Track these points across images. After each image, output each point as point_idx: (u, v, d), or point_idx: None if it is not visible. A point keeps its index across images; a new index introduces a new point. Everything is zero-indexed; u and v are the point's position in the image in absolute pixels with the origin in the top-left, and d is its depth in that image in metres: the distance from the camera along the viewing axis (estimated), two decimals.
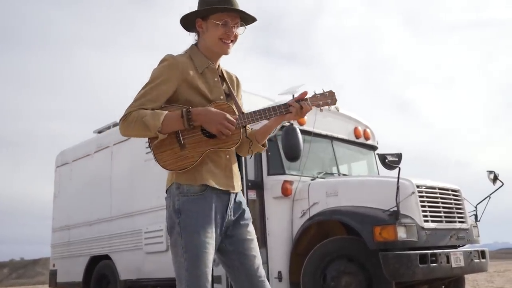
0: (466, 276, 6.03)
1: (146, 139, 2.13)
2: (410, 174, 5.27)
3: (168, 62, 2.13)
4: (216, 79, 2.24)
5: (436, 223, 5.09)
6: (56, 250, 9.07)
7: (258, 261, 2.24)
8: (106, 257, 7.78)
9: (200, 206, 2.09)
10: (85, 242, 8.28)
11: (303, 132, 5.68)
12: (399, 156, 4.76)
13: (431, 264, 4.75)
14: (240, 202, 2.27)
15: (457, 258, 5.04)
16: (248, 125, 2.20)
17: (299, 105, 2.16)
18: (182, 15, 2.23)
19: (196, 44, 2.29)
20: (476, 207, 5.65)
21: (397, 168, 4.73)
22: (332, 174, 6.32)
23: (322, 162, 6.49)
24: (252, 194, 5.73)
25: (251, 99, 6.47)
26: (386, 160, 4.70)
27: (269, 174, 5.77)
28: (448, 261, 4.91)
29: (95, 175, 8.37)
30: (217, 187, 2.14)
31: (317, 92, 2.25)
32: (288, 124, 5.39)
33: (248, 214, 2.30)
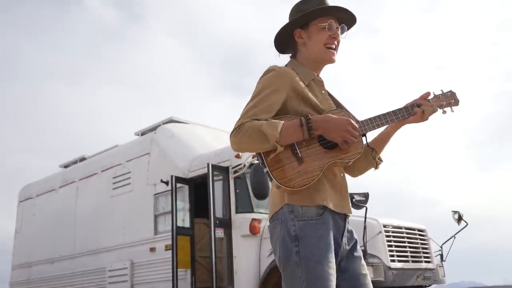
0: None
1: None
2: (377, 213, 5.33)
3: (275, 72, 1.93)
4: (323, 92, 2.04)
5: (402, 263, 5.11)
6: None
7: None
8: None
9: (320, 232, 1.82)
10: (46, 281, 8.03)
11: None
12: (366, 196, 4.82)
13: None
14: (352, 231, 2.02)
15: None
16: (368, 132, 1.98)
17: (422, 108, 1.99)
18: (278, 30, 2.05)
19: (294, 58, 2.09)
20: (441, 247, 5.72)
21: (364, 208, 4.78)
22: None
23: None
24: (220, 232, 5.68)
25: (222, 136, 6.48)
26: (354, 200, 4.75)
27: (237, 212, 5.74)
28: None
29: (60, 211, 8.18)
30: (334, 209, 1.90)
31: (436, 93, 2.08)
32: (257, 162, 5.40)
33: (358, 244, 2.03)
